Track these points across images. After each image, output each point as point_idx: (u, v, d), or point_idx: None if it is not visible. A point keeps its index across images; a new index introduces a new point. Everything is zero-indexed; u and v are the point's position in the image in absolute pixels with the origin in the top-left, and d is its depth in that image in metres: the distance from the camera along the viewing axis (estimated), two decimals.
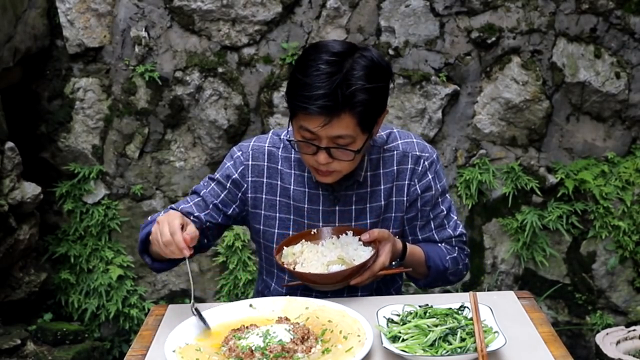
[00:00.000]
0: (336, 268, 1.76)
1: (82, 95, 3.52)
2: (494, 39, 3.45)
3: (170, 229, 1.63)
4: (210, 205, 1.94)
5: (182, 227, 1.65)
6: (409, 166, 1.94)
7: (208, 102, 3.50)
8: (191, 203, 1.94)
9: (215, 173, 1.99)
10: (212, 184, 1.97)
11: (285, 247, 1.87)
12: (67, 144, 3.56)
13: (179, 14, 3.43)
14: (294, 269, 1.80)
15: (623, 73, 3.50)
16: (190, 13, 3.42)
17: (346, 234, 1.88)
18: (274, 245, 1.96)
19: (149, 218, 1.94)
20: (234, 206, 1.96)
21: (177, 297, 3.71)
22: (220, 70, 3.48)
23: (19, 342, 3.09)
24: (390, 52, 3.46)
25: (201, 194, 1.96)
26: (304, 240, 1.88)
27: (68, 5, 3.42)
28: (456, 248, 2.03)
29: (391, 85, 3.44)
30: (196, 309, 1.65)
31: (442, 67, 3.49)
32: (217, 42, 3.46)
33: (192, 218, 1.90)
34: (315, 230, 1.90)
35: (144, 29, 3.43)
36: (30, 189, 3.25)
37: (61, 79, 3.53)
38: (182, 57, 3.47)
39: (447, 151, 3.60)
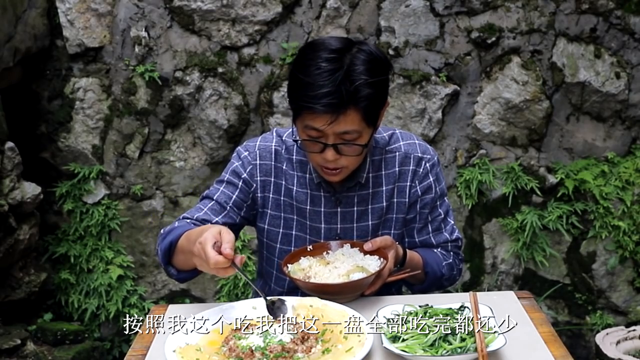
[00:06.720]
0: (358, 276, 1.75)
1: (82, 95, 3.52)
2: (494, 39, 3.45)
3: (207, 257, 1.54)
4: (227, 207, 1.91)
5: (215, 243, 1.56)
6: (411, 167, 1.94)
7: (208, 102, 3.49)
8: (205, 209, 1.90)
9: (224, 174, 1.95)
10: (222, 187, 1.93)
11: (289, 265, 1.83)
12: (67, 144, 3.56)
13: (179, 14, 3.43)
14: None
15: (623, 73, 3.50)
16: (190, 13, 3.41)
17: (343, 247, 1.87)
18: (277, 245, 1.97)
19: (163, 231, 1.85)
20: (245, 206, 1.94)
21: (177, 297, 3.71)
22: (220, 70, 3.48)
23: (19, 342, 3.09)
24: (390, 52, 3.46)
25: (214, 197, 1.92)
26: (302, 257, 1.86)
27: (68, 5, 3.42)
28: (451, 253, 2.03)
29: (391, 85, 3.47)
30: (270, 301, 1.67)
31: (442, 67, 3.49)
32: (217, 42, 3.46)
33: None
34: (311, 247, 1.88)
35: (144, 29, 3.43)
36: (30, 189, 3.25)
37: (61, 79, 3.52)
38: (182, 57, 3.47)
39: (447, 151, 3.59)
